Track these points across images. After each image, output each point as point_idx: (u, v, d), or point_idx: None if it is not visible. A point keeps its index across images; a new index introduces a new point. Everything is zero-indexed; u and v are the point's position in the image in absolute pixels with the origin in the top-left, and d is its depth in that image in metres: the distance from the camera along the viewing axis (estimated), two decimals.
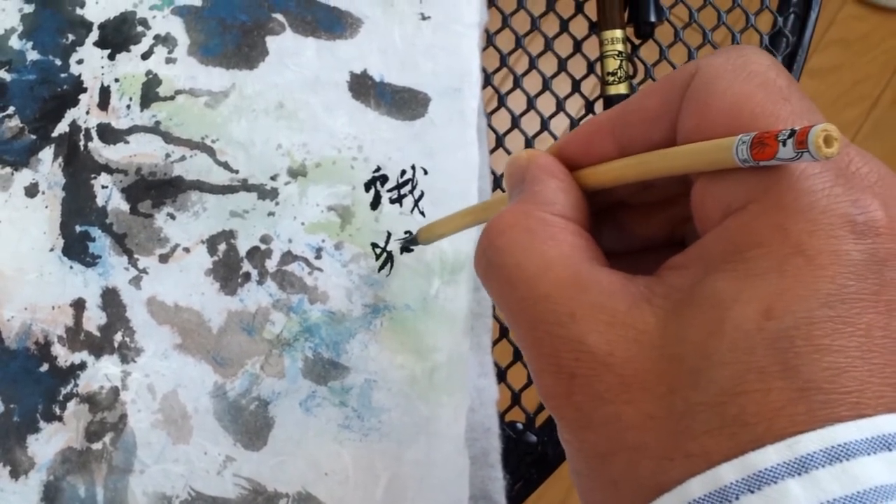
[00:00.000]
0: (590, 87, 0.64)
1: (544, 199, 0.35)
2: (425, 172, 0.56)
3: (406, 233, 0.54)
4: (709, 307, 0.29)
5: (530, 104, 0.63)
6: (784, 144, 0.27)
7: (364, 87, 0.57)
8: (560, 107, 0.63)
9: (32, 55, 0.56)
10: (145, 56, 0.56)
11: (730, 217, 0.30)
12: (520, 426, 0.59)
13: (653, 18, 0.63)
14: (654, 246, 0.38)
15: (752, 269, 0.28)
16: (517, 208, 0.35)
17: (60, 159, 0.54)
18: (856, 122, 1.71)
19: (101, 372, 0.52)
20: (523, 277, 0.32)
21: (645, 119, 0.34)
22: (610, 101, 0.62)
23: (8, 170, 0.54)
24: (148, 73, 0.56)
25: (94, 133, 0.55)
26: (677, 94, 0.32)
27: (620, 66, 0.61)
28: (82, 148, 0.55)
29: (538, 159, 0.36)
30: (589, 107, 0.63)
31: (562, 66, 0.64)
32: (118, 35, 0.57)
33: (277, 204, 0.55)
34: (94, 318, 0.53)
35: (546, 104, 0.63)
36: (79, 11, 0.57)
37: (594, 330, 0.30)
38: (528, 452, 0.58)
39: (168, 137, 0.55)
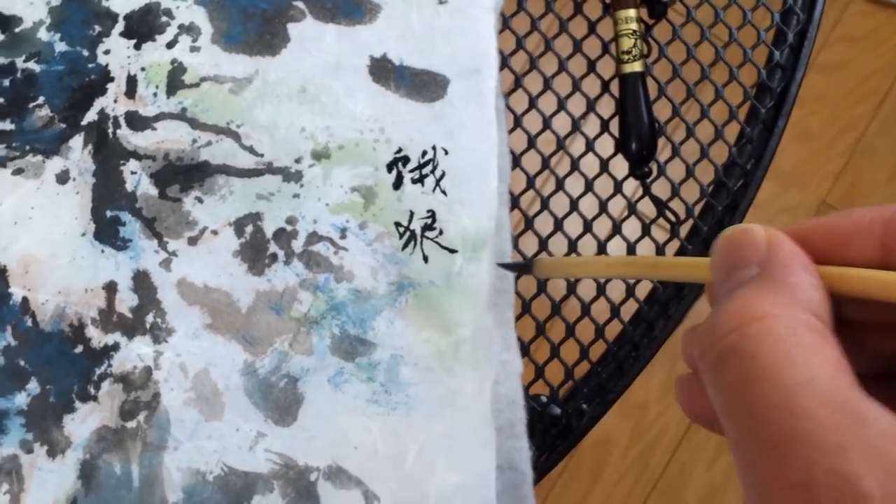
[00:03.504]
0: (604, 67, 0.63)
1: (805, 297, 0.30)
2: (446, 152, 0.55)
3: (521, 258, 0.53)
4: None
5: (547, 84, 0.62)
6: None
7: (384, 71, 0.56)
8: (576, 87, 0.63)
9: (60, 46, 0.56)
10: (170, 45, 0.56)
11: None
12: (544, 399, 0.58)
13: None
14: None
15: None
16: (774, 299, 0.30)
17: (90, 147, 0.54)
18: (864, 118, 1.70)
19: (134, 352, 0.52)
20: (780, 382, 0.28)
21: None
22: (625, 80, 0.61)
23: (39, 157, 0.54)
24: (173, 61, 0.56)
25: (122, 121, 0.55)
26: None
27: (635, 45, 0.61)
28: (111, 135, 0.54)
29: (783, 244, 0.31)
30: (604, 86, 0.63)
31: (577, 46, 0.63)
32: (143, 25, 0.56)
33: (302, 186, 0.54)
34: (126, 301, 0.52)
35: (562, 84, 0.63)
36: (104, 3, 0.57)
37: (871, 475, 0.26)
38: (553, 424, 0.58)
39: (194, 123, 0.55)
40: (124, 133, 0.54)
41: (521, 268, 0.52)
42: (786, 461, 0.27)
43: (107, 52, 0.56)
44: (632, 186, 0.61)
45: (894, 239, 0.30)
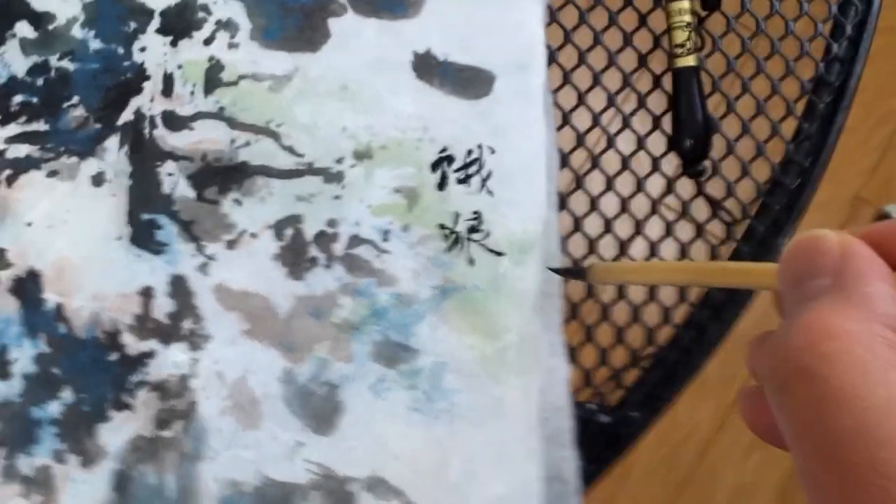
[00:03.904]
0: (656, 61, 0.61)
1: (882, 310, 0.28)
2: (492, 151, 0.53)
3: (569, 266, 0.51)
4: None
5: (596, 80, 0.60)
6: None
7: (428, 67, 0.54)
8: (627, 82, 0.60)
9: (95, 44, 0.54)
10: (207, 42, 0.54)
11: None
12: (591, 406, 0.56)
13: None
14: None
15: None
16: (849, 313, 0.28)
17: (126, 147, 0.53)
18: None
19: (171, 359, 0.50)
20: (856, 406, 0.26)
21: None
22: (678, 75, 0.59)
23: (74, 159, 0.52)
24: (210, 58, 0.54)
25: (158, 120, 0.53)
26: None
27: (689, 38, 0.58)
28: (147, 136, 0.53)
29: (859, 250, 0.29)
30: (656, 81, 0.60)
31: (627, 40, 0.61)
32: (180, 21, 0.55)
33: (343, 187, 0.52)
34: (162, 306, 0.51)
35: (612, 80, 0.60)
36: None
37: None
38: (600, 433, 0.56)
39: (232, 123, 0.53)
40: (161, 133, 0.53)
41: (575, 274, 0.50)
42: (862, 490, 0.25)
43: (142, 49, 0.54)
44: (685, 185, 0.59)
45: None
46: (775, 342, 0.29)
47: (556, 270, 0.51)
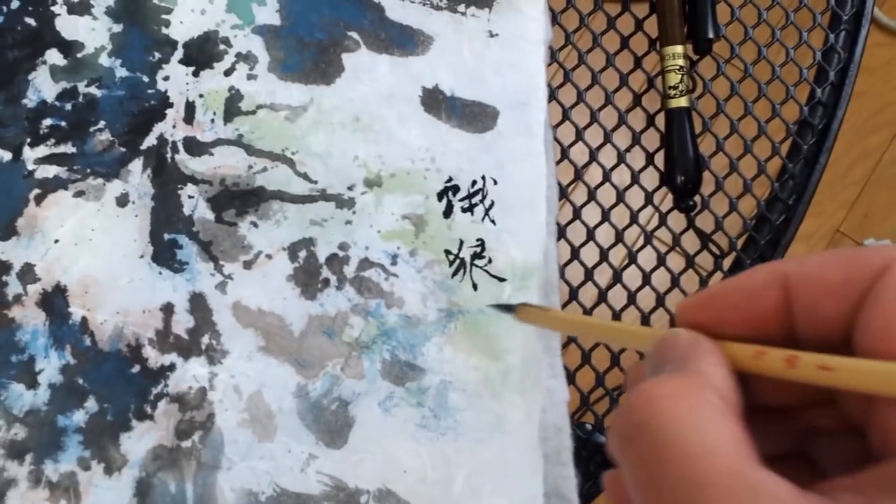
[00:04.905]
0: (650, 101, 0.63)
1: (712, 382, 0.30)
2: (495, 182, 0.55)
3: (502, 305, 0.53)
4: None
5: (593, 117, 0.62)
6: None
7: (436, 102, 0.56)
8: (622, 119, 0.62)
9: (121, 72, 0.55)
10: (228, 73, 0.56)
11: None
12: (589, 427, 0.58)
13: (711, 35, 0.62)
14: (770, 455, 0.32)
15: None
16: (680, 381, 0.29)
17: (149, 171, 0.54)
18: (879, 147, 1.69)
19: (190, 373, 0.51)
20: (681, 453, 0.27)
21: (821, 290, 0.29)
22: (671, 115, 0.61)
23: (100, 181, 0.54)
24: (230, 88, 0.55)
25: (180, 146, 0.54)
26: (864, 282, 0.28)
27: (681, 80, 0.60)
28: (169, 160, 0.54)
29: (702, 344, 0.31)
30: (650, 120, 0.62)
31: (623, 80, 0.63)
32: (202, 53, 0.56)
33: (354, 213, 0.54)
34: (182, 322, 0.52)
35: (609, 117, 0.62)
36: (164, 31, 0.56)
37: None
38: (598, 452, 0.57)
39: (250, 150, 0.54)
40: (182, 158, 0.54)
41: (506, 309, 0.51)
42: None
43: (166, 78, 0.56)
44: (676, 219, 0.61)
45: (792, 304, 0.30)
46: (618, 409, 0.30)
47: (492, 306, 0.53)
